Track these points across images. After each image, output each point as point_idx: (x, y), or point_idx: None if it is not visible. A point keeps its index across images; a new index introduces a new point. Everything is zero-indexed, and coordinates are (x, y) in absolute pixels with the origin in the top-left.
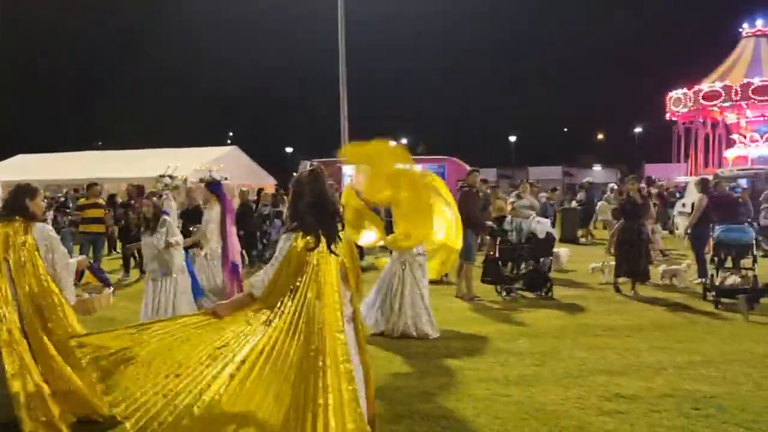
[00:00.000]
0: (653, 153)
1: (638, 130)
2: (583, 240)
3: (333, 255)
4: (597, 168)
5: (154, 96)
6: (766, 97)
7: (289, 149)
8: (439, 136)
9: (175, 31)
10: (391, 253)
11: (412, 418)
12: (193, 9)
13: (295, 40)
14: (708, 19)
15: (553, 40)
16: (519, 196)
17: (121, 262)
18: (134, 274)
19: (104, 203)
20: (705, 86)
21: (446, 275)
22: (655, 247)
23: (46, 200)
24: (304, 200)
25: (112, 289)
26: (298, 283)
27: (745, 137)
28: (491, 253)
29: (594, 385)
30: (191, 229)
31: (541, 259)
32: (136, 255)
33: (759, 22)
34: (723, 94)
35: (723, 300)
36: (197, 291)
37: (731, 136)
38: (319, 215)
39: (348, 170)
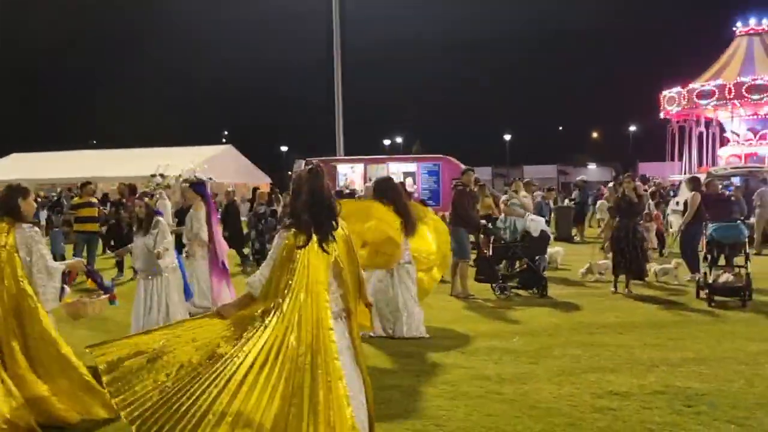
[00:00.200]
0: (647, 151)
1: (633, 128)
2: (576, 239)
3: (324, 253)
4: (592, 166)
5: (149, 95)
6: (759, 96)
7: (284, 148)
8: (434, 135)
9: (170, 30)
10: None
11: (405, 416)
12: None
13: (291, 40)
14: (701, 18)
15: (549, 39)
16: (512, 195)
17: (114, 261)
18: (128, 273)
19: (98, 202)
20: (698, 85)
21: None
22: (650, 246)
23: (39, 199)
24: (301, 198)
25: (113, 292)
26: (291, 282)
27: (738, 136)
28: (484, 251)
29: (587, 383)
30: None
31: (537, 258)
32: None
33: (752, 21)
34: (716, 93)
35: (716, 298)
36: (188, 292)
37: (725, 135)
38: (315, 213)
39: (343, 169)
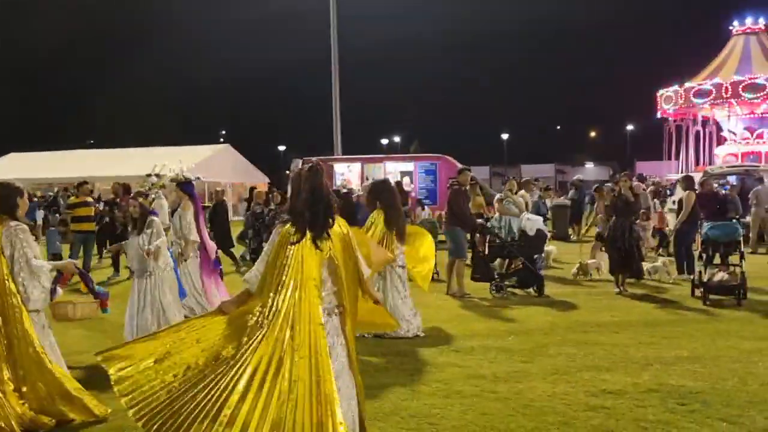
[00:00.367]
0: (644, 150)
1: (630, 128)
2: (573, 238)
3: (318, 250)
4: (589, 165)
5: (147, 95)
6: (755, 95)
7: (281, 147)
8: (433, 134)
9: (168, 30)
10: None
11: (400, 415)
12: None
13: (289, 40)
14: (698, 18)
15: (547, 39)
16: (506, 194)
17: (110, 261)
18: (124, 273)
19: (94, 201)
20: (695, 84)
21: (437, 272)
22: (647, 245)
23: (36, 199)
24: (301, 196)
25: (105, 299)
26: (284, 278)
27: (735, 134)
28: (480, 250)
29: (581, 381)
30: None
31: (536, 257)
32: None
33: (749, 20)
34: (713, 92)
35: (711, 296)
36: (182, 291)
37: (722, 134)
38: (313, 211)
39: (340, 169)
